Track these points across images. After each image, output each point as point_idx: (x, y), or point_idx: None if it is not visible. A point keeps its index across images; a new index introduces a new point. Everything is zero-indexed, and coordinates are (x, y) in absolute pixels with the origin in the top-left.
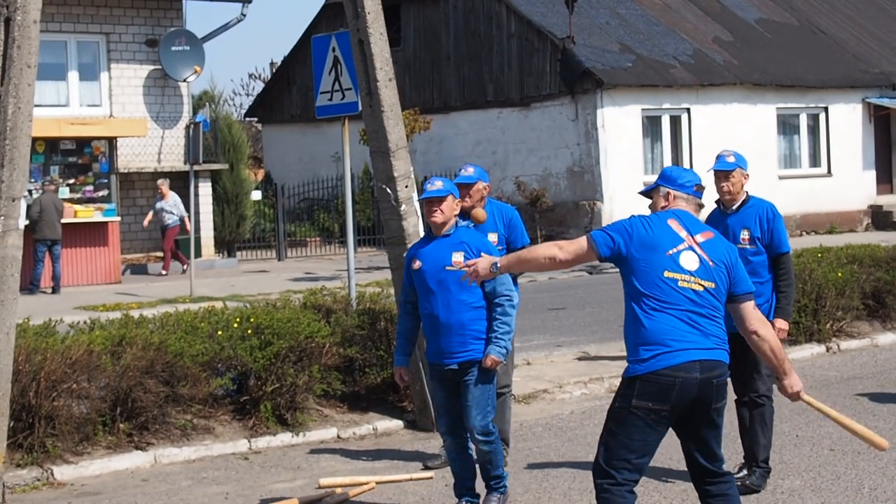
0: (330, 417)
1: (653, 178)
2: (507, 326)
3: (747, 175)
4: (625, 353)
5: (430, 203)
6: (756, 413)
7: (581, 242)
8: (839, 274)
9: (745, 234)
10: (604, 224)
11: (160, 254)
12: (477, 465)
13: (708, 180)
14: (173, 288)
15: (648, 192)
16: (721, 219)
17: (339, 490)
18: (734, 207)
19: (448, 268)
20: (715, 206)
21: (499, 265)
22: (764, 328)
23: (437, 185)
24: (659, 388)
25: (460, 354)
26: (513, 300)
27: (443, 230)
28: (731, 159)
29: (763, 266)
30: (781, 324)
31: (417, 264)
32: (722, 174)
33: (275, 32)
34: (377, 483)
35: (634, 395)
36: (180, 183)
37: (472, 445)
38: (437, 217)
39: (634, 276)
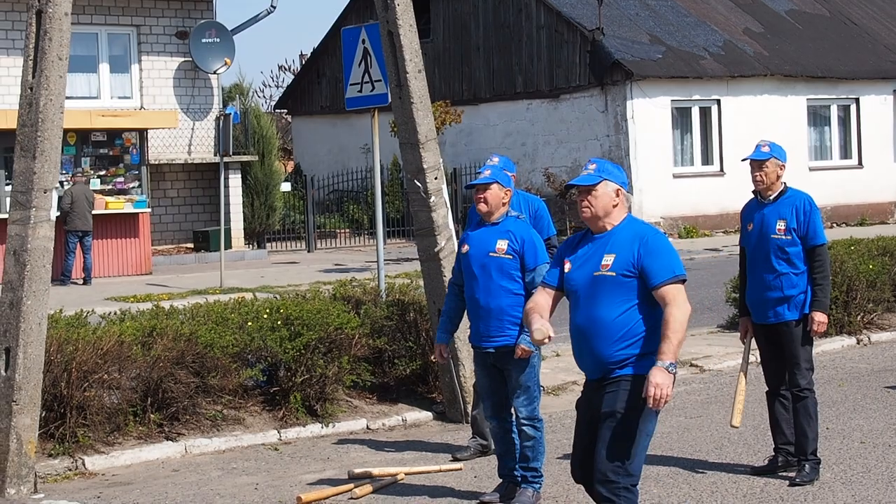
0: (359, 408)
1: (683, 170)
2: None
3: (784, 165)
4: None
5: (476, 191)
6: (800, 406)
7: (682, 292)
8: (870, 266)
9: (780, 225)
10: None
11: (190, 245)
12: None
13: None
14: (203, 279)
15: (594, 185)
16: (757, 208)
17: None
18: (771, 197)
19: (491, 254)
20: (752, 195)
21: (674, 366)
22: None
23: (486, 172)
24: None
25: (498, 339)
26: None
27: (491, 218)
28: (766, 149)
29: (798, 257)
30: (820, 316)
31: (465, 248)
32: (755, 164)
33: (304, 24)
34: (406, 474)
35: None
36: (211, 174)
37: (515, 430)
38: (482, 206)
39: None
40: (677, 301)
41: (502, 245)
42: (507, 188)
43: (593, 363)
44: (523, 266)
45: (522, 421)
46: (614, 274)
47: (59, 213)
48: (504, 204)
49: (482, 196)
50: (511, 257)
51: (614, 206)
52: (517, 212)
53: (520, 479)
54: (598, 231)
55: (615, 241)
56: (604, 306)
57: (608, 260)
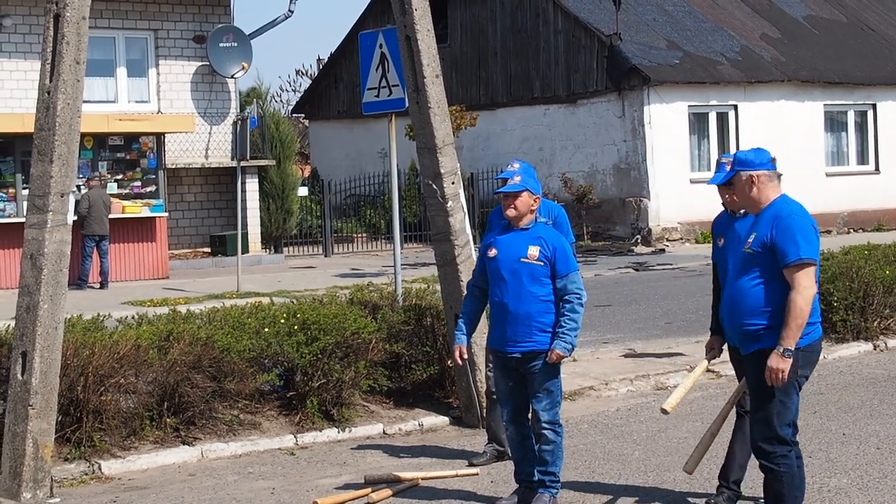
0: (376, 413)
1: (700, 175)
2: (574, 323)
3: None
4: (670, 351)
5: (505, 197)
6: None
7: (811, 273)
8: (887, 272)
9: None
10: (650, 220)
11: (207, 249)
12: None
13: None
14: (220, 283)
15: (728, 181)
16: (730, 223)
17: (385, 487)
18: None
19: (523, 259)
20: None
21: (790, 352)
22: None
23: (516, 179)
24: (813, 356)
25: (525, 344)
26: (582, 298)
27: (519, 224)
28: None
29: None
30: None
31: (493, 252)
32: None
33: (322, 29)
34: (422, 479)
35: (799, 366)
36: (228, 179)
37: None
38: (511, 212)
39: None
40: (799, 285)
41: (534, 252)
42: (537, 195)
43: (732, 330)
44: (553, 273)
45: (543, 425)
46: (752, 251)
47: (76, 218)
48: (532, 211)
49: (512, 203)
50: (542, 264)
51: (751, 193)
52: (545, 218)
53: (537, 482)
54: (756, 213)
55: (760, 221)
56: (744, 280)
57: (751, 238)
